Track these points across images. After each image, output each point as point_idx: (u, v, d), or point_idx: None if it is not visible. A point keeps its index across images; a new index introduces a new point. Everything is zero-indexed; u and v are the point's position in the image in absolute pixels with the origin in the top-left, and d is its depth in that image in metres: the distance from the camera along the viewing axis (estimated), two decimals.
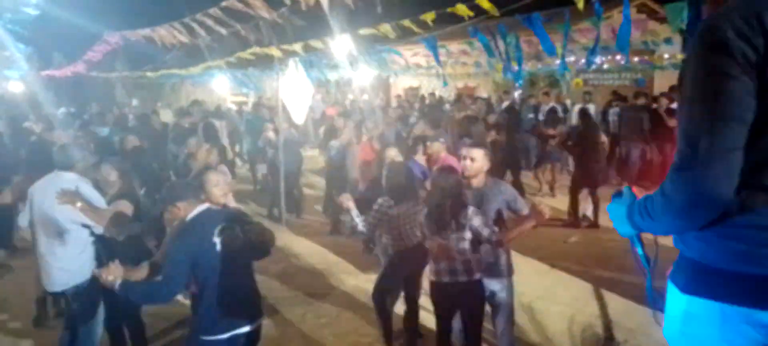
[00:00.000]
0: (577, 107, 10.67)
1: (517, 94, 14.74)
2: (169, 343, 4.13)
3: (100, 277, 2.62)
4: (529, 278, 5.08)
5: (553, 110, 9.71)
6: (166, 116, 12.31)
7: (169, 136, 8.50)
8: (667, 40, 9.88)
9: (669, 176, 1.28)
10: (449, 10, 5.39)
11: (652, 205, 1.36)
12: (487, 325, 3.60)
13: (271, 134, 7.91)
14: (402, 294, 3.87)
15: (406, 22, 6.20)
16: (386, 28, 6.30)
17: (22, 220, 3.62)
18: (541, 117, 10.07)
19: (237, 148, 12.24)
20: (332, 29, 7.59)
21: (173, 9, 9.29)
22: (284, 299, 4.84)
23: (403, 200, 3.62)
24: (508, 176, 8.87)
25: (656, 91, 12.15)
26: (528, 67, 13.06)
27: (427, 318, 3.77)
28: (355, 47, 9.12)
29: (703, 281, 1.34)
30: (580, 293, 4.86)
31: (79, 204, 3.24)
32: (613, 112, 10.36)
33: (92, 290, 3.32)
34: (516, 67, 6.84)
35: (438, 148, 4.98)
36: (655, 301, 1.61)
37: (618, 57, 12.25)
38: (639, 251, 1.60)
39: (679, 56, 10.63)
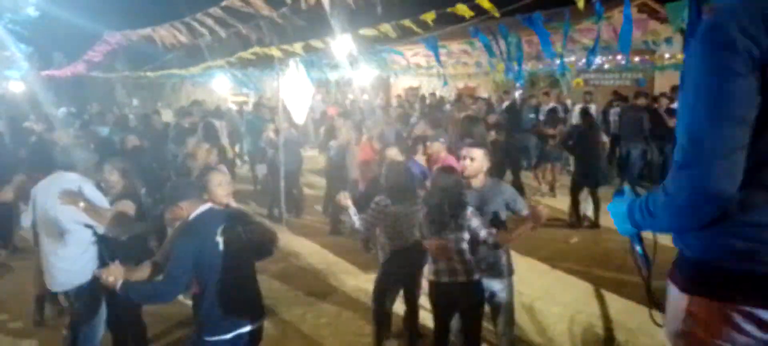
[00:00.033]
0: (577, 107, 10.67)
1: (517, 94, 14.73)
2: (169, 343, 4.13)
3: (100, 277, 2.62)
4: (529, 278, 5.08)
5: (553, 110, 9.72)
6: (167, 116, 12.31)
7: (170, 136, 8.50)
8: (668, 40, 9.87)
9: (671, 173, 1.28)
10: (449, 10, 5.39)
11: (653, 203, 1.36)
12: (487, 325, 3.61)
13: (271, 134, 7.91)
14: (402, 294, 3.87)
15: (407, 22, 6.20)
16: (386, 28, 6.30)
17: (25, 220, 3.62)
18: (541, 117, 10.07)
19: (237, 148, 12.25)
20: (333, 29, 7.59)
21: (173, 9, 9.30)
22: (284, 299, 4.83)
23: (400, 199, 3.62)
24: (508, 175, 8.89)
25: (657, 91, 12.15)
26: (528, 67, 13.05)
27: (428, 318, 3.77)
28: (356, 47, 9.12)
29: (703, 280, 1.34)
30: (580, 294, 4.85)
31: (81, 204, 3.24)
32: (614, 112, 10.36)
33: (94, 291, 3.32)
34: (517, 68, 6.83)
35: (438, 148, 4.98)
36: (653, 300, 1.60)
37: (618, 57, 12.25)
38: (639, 250, 1.60)
39: (680, 56, 10.62)
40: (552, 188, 8.89)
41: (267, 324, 3.59)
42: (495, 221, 3.28)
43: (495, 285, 3.35)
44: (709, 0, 4.28)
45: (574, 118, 10.13)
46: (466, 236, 3.02)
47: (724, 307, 1.30)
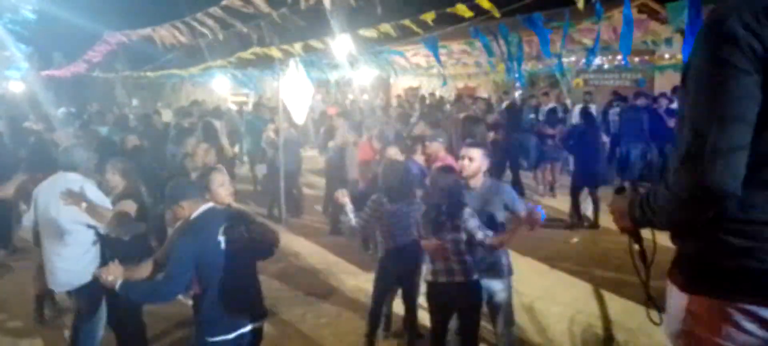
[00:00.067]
0: (577, 107, 10.66)
1: (517, 94, 14.73)
2: (169, 344, 4.13)
3: (99, 277, 2.61)
4: (529, 278, 5.08)
5: (553, 110, 9.72)
6: (167, 117, 12.32)
7: (170, 136, 8.50)
8: (668, 41, 9.89)
9: (674, 168, 1.27)
10: (449, 10, 5.40)
11: (654, 198, 1.36)
12: (487, 325, 3.61)
13: (272, 134, 7.91)
14: (401, 294, 3.87)
15: (407, 22, 6.21)
16: (386, 27, 6.31)
17: (27, 220, 3.62)
18: (541, 117, 10.07)
19: (236, 148, 12.24)
20: (333, 29, 7.59)
21: (173, 9, 9.30)
22: (284, 299, 4.83)
23: (397, 198, 3.61)
24: (508, 175, 8.90)
25: (657, 91, 12.13)
26: (528, 67, 13.06)
27: (427, 318, 3.76)
28: (356, 47, 9.12)
29: (703, 278, 1.34)
30: (580, 294, 4.85)
31: (83, 205, 3.24)
32: (614, 113, 10.36)
33: (94, 290, 3.32)
34: (517, 68, 6.84)
35: (436, 147, 4.99)
36: (652, 300, 1.61)
37: (618, 57, 12.24)
38: (637, 248, 1.60)
39: (680, 57, 10.62)
40: (552, 188, 8.90)
41: (267, 324, 3.59)
42: (492, 222, 3.27)
43: (494, 285, 3.34)
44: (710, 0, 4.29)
45: (574, 118, 10.13)
46: (464, 236, 3.01)
47: (723, 305, 1.29)
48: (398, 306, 3.96)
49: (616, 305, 4.53)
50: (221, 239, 2.67)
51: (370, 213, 3.63)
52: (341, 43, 8.11)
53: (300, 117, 7.64)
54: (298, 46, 7.55)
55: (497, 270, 3.34)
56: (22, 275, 5.32)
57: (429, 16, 5.88)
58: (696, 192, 1.23)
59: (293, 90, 7.29)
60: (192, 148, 5.87)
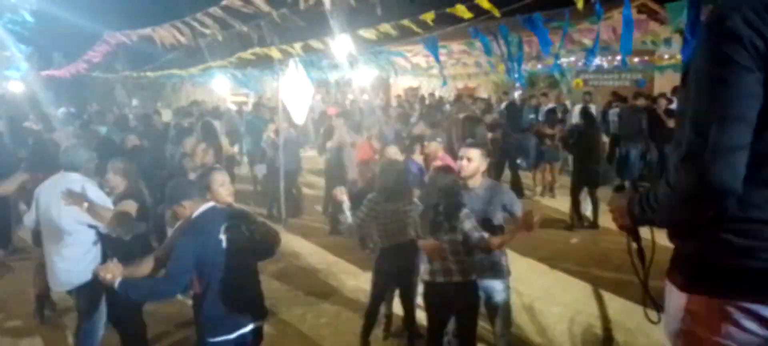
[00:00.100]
0: (577, 107, 10.67)
1: (517, 94, 14.74)
2: (169, 345, 4.13)
3: (98, 275, 2.61)
4: (529, 279, 5.08)
5: (552, 110, 9.74)
6: (167, 117, 12.33)
7: (169, 136, 8.51)
8: (667, 41, 9.88)
9: (675, 165, 1.27)
10: (449, 10, 5.40)
11: (654, 196, 1.36)
12: (486, 325, 3.61)
13: (272, 134, 7.91)
14: (398, 295, 3.87)
15: (406, 22, 6.22)
16: (386, 27, 6.32)
17: (28, 220, 3.63)
18: (541, 118, 10.09)
19: (235, 148, 12.25)
20: (332, 29, 7.59)
21: (173, 9, 9.30)
22: (284, 299, 4.83)
23: (393, 198, 3.61)
24: (507, 174, 8.91)
25: (656, 91, 12.15)
26: (528, 67, 13.06)
27: (426, 318, 3.77)
28: (356, 47, 9.13)
29: (702, 278, 1.34)
30: (579, 294, 4.86)
31: (85, 204, 3.24)
32: (613, 113, 10.37)
33: (94, 289, 3.33)
34: (517, 68, 6.84)
35: (435, 147, 5.00)
36: (651, 299, 1.61)
37: (618, 57, 12.24)
38: (634, 245, 1.60)
39: (679, 57, 10.63)
40: (551, 188, 8.90)
41: (267, 324, 3.59)
42: (490, 223, 3.25)
43: (492, 286, 3.34)
44: (710, 0, 4.30)
45: (574, 118, 10.14)
46: (461, 237, 3.01)
47: (723, 304, 1.30)
48: (398, 307, 3.96)
49: (616, 305, 4.53)
50: (222, 237, 2.66)
51: (366, 212, 3.63)
52: (341, 43, 8.11)
53: (300, 117, 7.64)
54: (297, 47, 7.56)
55: (495, 271, 3.34)
56: (22, 275, 5.32)
57: (428, 16, 5.89)
58: (697, 191, 1.23)
59: (293, 90, 7.29)
60: (190, 148, 5.88)
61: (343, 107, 14.90)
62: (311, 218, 7.78)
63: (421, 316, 3.90)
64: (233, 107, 15.76)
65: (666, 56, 12.00)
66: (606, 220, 6.23)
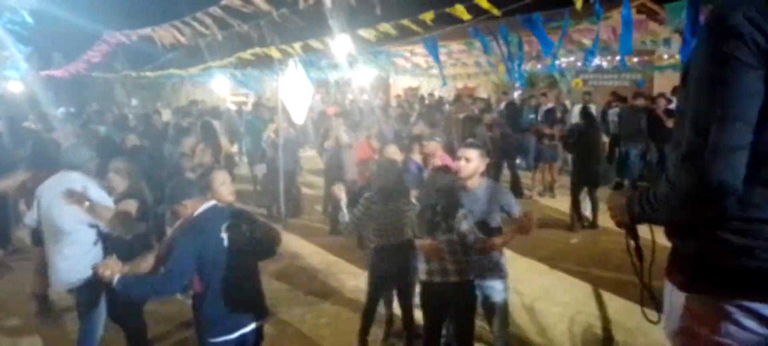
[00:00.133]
0: (577, 107, 10.67)
1: (516, 94, 14.75)
2: (170, 345, 4.12)
3: (97, 271, 2.61)
4: (529, 278, 5.09)
5: (551, 110, 9.74)
6: (167, 116, 12.33)
7: (169, 135, 8.52)
8: (667, 41, 9.90)
9: (675, 163, 1.27)
10: (448, 10, 5.41)
11: (654, 195, 1.36)
12: (485, 325, 3.61)
13: (273, 134, 7.91)
14: (396, 295, 3.87)
15: (406, 22, 6.22)
16: (386, 27, 6.32)
17: (30, 219, 3.63)
18: (541, 118, 10.09)
19: (235, 148, 12.26)
20: (332, 29, 7.59)
21: (173, 9, 9.30)
22: (284, 299, 4.83)
23: (388, 197, 3.62)
24: (506, 174, 8.92)
25: (656, 91, 12.14)
26: (527, 67, 13.06)
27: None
28: (355, 47, 9.13)
29: (702, 277, 1.34)
30: (579, 294, 4.86)
31: (86, 204, 3.25)
32: (613, 113, 10.37)
33: (95, 288, 3.33)
34: (517, 68, 6.84)
35: (434, 147, 5.01)
36: (645, 296, 1.61)
37: (617, 57, 12.25)
38: (633, 244, 1.60)
39: (679, 57, 10.64)
40: (551, 188, 8.90)
41: (267, 324, 3.60)
42: (488, 224, 3.24)
43: (489, 287, 3.32)
44: (710, 0, 4.30)
45: (574, 118, 10.14)
46: (456, 238, 3.00)
47: (723, 303, 1.30)
48: (399, 307, 3.96)
49: (616, 305, 4.53)
50: (224, 236, 2.65)
51: (362, 211, 3.64)
52: (340, 43, 8.12)
53: (299, 117, 7.65)
54: (297, 46, 7.56)
55: (493, 271, 3.32)
56: (21, 275, 5.32)
57: (428, 16, 5.90)
58: (697, 190, 1.23)
59: (292, 90, 7.29)
60: (189, 147, 5.89)
61: (342, 107, 14.90)
62: (311, 218, 7.78)
63: (419, 316, 3.92)
64: (233, 107, 15.77)
65: (665, 56, 12.01)
66: (606, 220, 6.23)
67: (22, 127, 8.77)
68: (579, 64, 12.65)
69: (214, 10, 6.81)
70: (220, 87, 18.03)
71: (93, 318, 3.44)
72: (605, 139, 9.50)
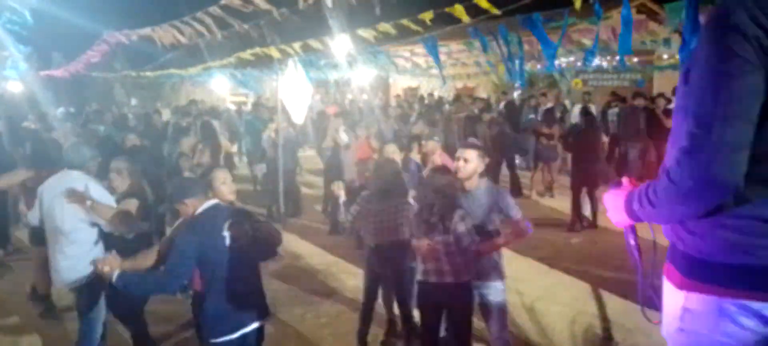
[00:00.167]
0: (577, 107, 10.68)
1: (516, 94, 14.75)
2: (170, 345, 4.12)
3: (96, 266, 2.60)
4: (529, 278, 5.09)
5: (549, 110, 9.74)
6: (166, 116, 12.34)
7: (168, 135, 8.52)
8: (666, 41, 9.90)
9: (677, 159, 1.27)
10: (447, 9, 5.41)
11: (653, 191, 1.35)
12: (484, 325, 3.61)
13: (273, 134, 7.91)
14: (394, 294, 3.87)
15: (405, 22, 6.22)
16: (385, 27, 6.32)
17: (33, 218, 3.63)
18: (540, 118, 10.10)
19: (234, 147, 12.26)
20: (331, 29, 7.60)
21: (173, 9, 9.30)
22: (284, 299, 4.83)
23: (386, 195, 3.61)
24: (505, 173, 8.92)
25: (655, 91, 12.16)
26: (528, 67, 13.06)
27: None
28: (355, 47, 9.14)
29: (698, 275, 1.34)
30: (579, 294, 4.86)
31: (88, 202, 3.25)
32: (613, 113, 10.38)
33: (96, 288, 3.34)
34: (518, 68, 6.84)
35: (433, 146, 5.02)
36: (645, 296, 1.61)
37: (617, 57, 12.25)
38: (631, 242, 1.60)
39: (678, 57, 10.64)
40: (550, 189, 8.90)
41: (267, 324, 3.60)
42: (485, 226, 3.20)
43: (486, 289, 3.28)
44: (710, 1, 4.30)
45: (574, 118, 10.14)
46: (452, 239, 2.99)
47: (719, 301, 1.30)
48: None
49: (615, 304, 4.54)
50: (226, 234, 2.64)
51: (358, 209, 3.64)
52: (340, 43, 8.12)
53: (299, 117, 7.65)
54: (297, 46, 7.56)
55: (490, 273, 3.28)
56: (21, 274, 5.32)
57: (427, 16, 5.90)
58: (699, 186, 1.23)
59: (292, 90, 7.30)
60: (188, 147, 5.89)
61: (342, 107, 14.91)
62: (311, 218, 7.78)
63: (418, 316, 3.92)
64: (232, 107, 15.77)
65: (665, 56, 12.01)
66: (606, 220, 6.23)
67: (21, 127, 8.77)
68: (579, 64, 12.65)
69: (214, 9, 6.81)
70: (220, 87, 18.03)
71: (92, 318, 3.44)
72: (605, 139, 9.49)
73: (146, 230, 3.60)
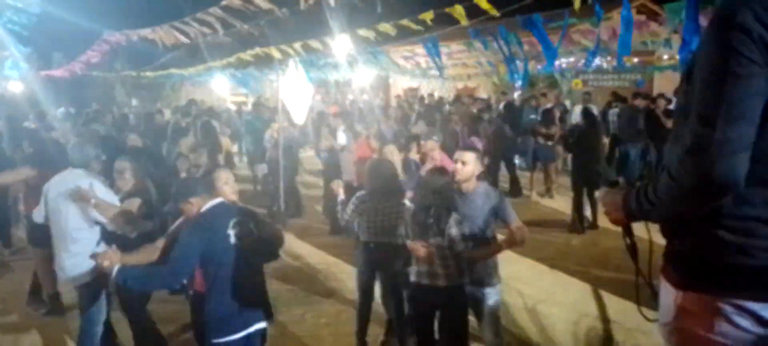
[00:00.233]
0: (577, 108, 10.68)
1: (516, 94, 14.75)
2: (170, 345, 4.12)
3: (96, 260, 2.60)
4: (530, 280, 5.09)
5: (548, 110, 9.74)
6: (167, 116, 12.34)
7: (167, 135, 8.53)
8: (667, 42, 9.91)
9: (679, 157, 1.27)
10: (447, 10, 5.41)
11: (653, 189, 1.35)
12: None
13: (275, 134, 7.92)
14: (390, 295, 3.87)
15: (405, 22, 6.23)
16: (386, 27, 6.32)
17: (38, 216, 3.65)
18: (540, 118, 10.09)
19: (234, 148, 12.27)
20: (332, 29, 7.60)
21: (173, 9, 9.30)
22: (284, 299, 4.83)
23: (381, 195, 3.61)
24: (505, 173, 8.92)
25: (656, 92, 12.16)
26: (527, 67, 13.06)
27: None
28: (355, 47, 9.14)
29: (695, 275, 1.34)
30: (579, 294, 4.86)
31: (93, 201, 3.26)
32: (613, 113, 10.38)
33: (98, 286, 3.35)
34: (521, 67, 6.83)
35: (431, 146, 5.02)
36: (642, 294, 1.61)
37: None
38: (628, 241, 1.60)
39: (678, 57, 10.65)
40: (549, 189, 8.88)
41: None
42: (481, 229, 3.19)
43: (480, 293, 3.25)
44: (710, 2, 4.31)
45: (574, 118, 10.14)
46: (446, 242, 2.97)
47: (716, 301, 1.30)
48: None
49: (616, 305, 4.54)
50: (231, 232, 2.64)
51: (353, 208, 3.65)
52: (341, 43, 8.12)
53: (299, 117, 7.65)
54: (297, 46, 7.56)
55: (484, 277, 3.25)
56: (21, 274, 5.32)
57: (428, 16, 5.91)
58: (701, 184, 1.23)
59: (293, 90, 7.30)
60: (186, 147, 5.89)
61: (342, 107, 14.91)
62: (311, 218, 7.78)
63: None
64: (232, 107, 15.77)
65: (665, 57, 12.01)
66: (606, 220, 6.23)
67: (21, 127, 8.77)
68: (579, 64, 12.65)
69: (215, 10, 6.81)
70: (220, 87, 18.03)
71: (94, 316, 3.45)
72: (605, 139, 9.50)
73: (150, 229, 3.61)
